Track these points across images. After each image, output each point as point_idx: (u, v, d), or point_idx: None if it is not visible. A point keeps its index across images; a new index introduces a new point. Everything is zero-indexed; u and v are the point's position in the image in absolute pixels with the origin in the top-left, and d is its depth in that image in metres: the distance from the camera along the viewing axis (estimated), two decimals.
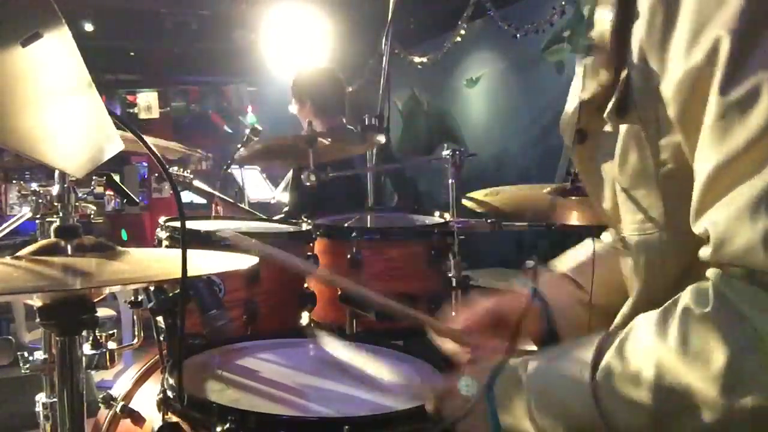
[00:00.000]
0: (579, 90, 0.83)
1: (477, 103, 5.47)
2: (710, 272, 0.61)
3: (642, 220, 0.77)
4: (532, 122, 4.81)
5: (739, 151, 0.57)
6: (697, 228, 0.62)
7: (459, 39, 5.05)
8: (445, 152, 1.85)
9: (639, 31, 0.70)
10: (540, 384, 0.75)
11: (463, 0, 4.80)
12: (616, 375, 0.66)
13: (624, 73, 0.74)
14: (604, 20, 0.77)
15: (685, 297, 0.63)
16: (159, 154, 0.82)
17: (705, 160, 0.61)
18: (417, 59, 5.54)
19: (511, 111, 5.08)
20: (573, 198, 1.82)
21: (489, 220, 1.80)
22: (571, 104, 0.84)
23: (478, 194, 1.93)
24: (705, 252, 0.61)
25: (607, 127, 0.79)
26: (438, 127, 5.94)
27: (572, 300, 1.07)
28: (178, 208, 0.86)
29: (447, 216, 1.89)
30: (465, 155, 1.85)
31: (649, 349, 0.64)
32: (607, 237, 1.12)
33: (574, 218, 1.76)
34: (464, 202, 1.87)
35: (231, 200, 2.99)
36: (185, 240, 0.81)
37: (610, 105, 0.75)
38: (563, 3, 4.19)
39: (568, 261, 1.14)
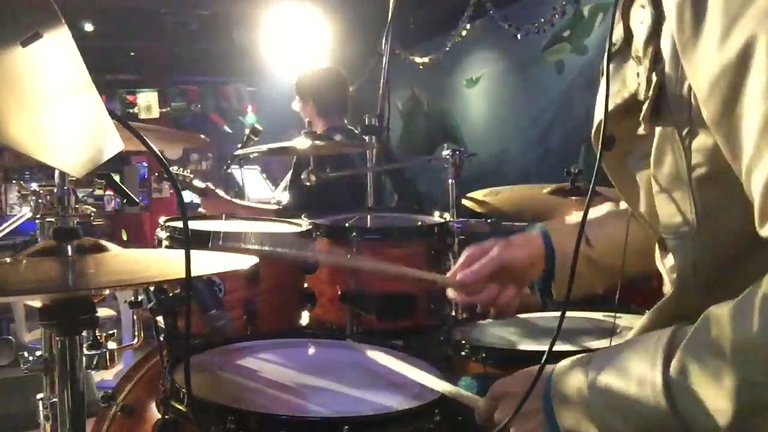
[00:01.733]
0: (605, 96, 0.81)
1: (477, 103, 5.47)
2: None
3: (677, 224, 0.76)
4: (532, 122, 4.81)
5: None
6: (766, 231, 0.60)
7: (459, 39, 5.05)
8: (445, 152, 1.85)
9: (668, 31, 0.69)
10: (605, 382, 0.72)
11: (463, 0, 4.80)
12: (693, 372, 0.63)
13: (655, 75, 0.73)
14: (639, 21, 0.76)
15: (765, 285, 0.60)
16: (160, 153, 0.82)
17: (759, 164, 0.59)
18: (417, 59, 5.54)
19: (511, 111, 5.08)
20: (573, 198, 1.82)
21: (489, 220, 1.80)
22: (600, 112, 0.83)
23: (478, 194, 1.93)
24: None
25: (640, 131, 0.78)
26: (438, 127, 5.94)
27: (579, 256, 1.08)
28: (180, 207, 0.86)
29: (447, 216, 1.89)
30: (465, 155, 1.86)
31: (729, 341, 0.60)
32: (603, 206, 1.14)
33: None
34: (464, 202, 1.87)
35: (229, 198, 2.99)
36: (188, 239, 0.81)
37: (644, 108, 0.75)
38: (563, 3, 4.19)
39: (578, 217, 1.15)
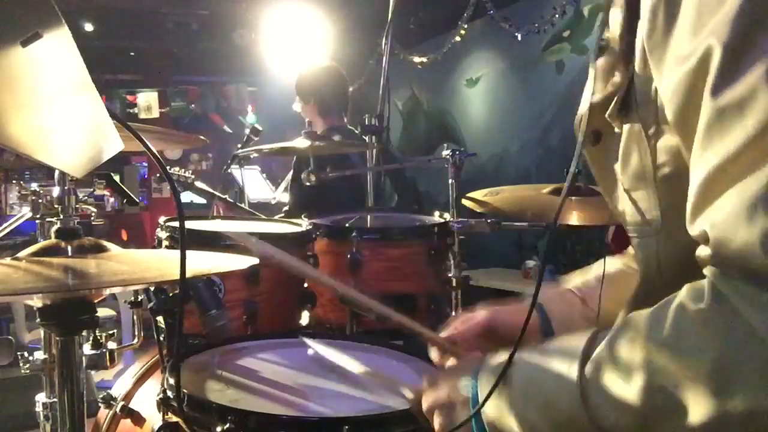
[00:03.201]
0: (591, 91, 0.83)
1: (477, 103, 5.47)
2: (707, 270, 0.61)
3: (642, 222, 0.77)
4: (532, 122, 4.81)
5: (735, 153, 0.57)
6: (694, 230, 0.62)
7: (459, 39, 5.05)
8: (445, 152, 1.85)
9: (641, 32, 0.70)
10: (526, 375, 0.74)
11: (464, 0, 4.80)
12: (606, 370, 0.65)
13: (618, 74, 0.75)
14: (615, 21, 0.78)
15: (681, 294, 0.62)
16: (158, 154, 0.82)
17: (699, 163, 0.61)
18: (417, 59, 5.54)
19: (511, 111, 5.08)
20: (573, 198, 1.82)
21: (489, 220, 1.80)
22: (583, 106, 0.85)
23: (478, 194, 1.93)
24: (704, 251, 0.60)
25: (616, 128, 0.79)
26: (438, 127, 5.95)
27: (576, 315, 1.09)
28: (177, 209, 0.86)
29: (447, 216, 1.89)
30: (465, 155, 1.85)
31: (641, 345, 0.63)
32: (616, 262, 1.12)
33: (574, 218, 1.76)
34: (464, 202, 1.87)
35: (231, 200, 2.99)
36: (184, 240, 0.81)
37: (612, 105, 0.76)
38: (563, 3, 4.20)
39: (574, 279, 1.15)
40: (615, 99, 0.75)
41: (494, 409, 0.76)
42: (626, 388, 0.63)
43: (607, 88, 0.80)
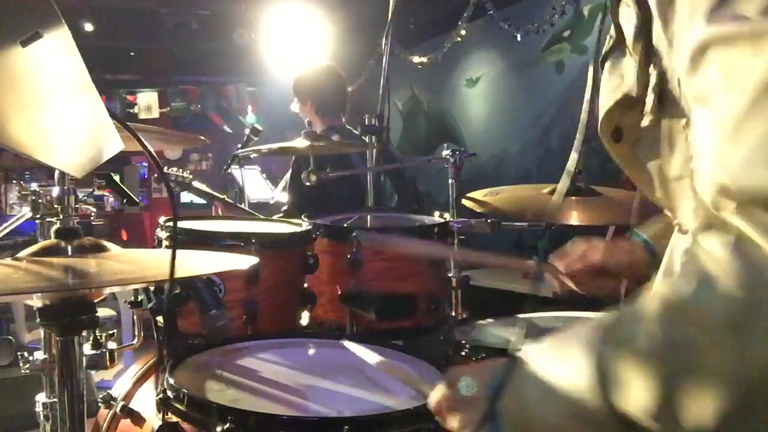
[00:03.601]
0: (610, 90, 0.83)
1: (477, 103, 5.47)
2: (731, 218, 0.57)
3: (692, 209, 0.77)
4: (532, 122, 4.81)
5: (747, 105, 0.56)
6: (711, 187, 0.60)
7: (459, 39, 5.05)
8: (445, 152, 1.85)
9: (656, 28, 0.71)
10: (543, 365, 0.72)
11: (464, 0, 4.80)
12: (622, 351, 0.62)
13: (654, 69, 0.75)
14: (626, 19, 0.78)
15: (702, 249, 0.59)
16: (155, 154, 0.82)
17: (705, 121, 0.61)
18: (417, 59, 5.54)
19: (511, 111, 5.08)
20: (573, 198, 1.82)
21: (489, 220, 1.80)
22: (603, 105, 0.86)
23: (478, 194, 1.93)
24: (727, 205, 0.57)
25: (644, 122, 0.79)
26: (438, 127, 5.95)
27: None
28: (172, 208, 0.86)
29: (447, 216, 1.89)
30: (465, 155, 1.85)
31: (658, 299, 0.59)
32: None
33: (574, 218, 1.76)
34: (464, 202, 1.87)
35: (230, 201, 2.99)
36: (176, 240, 0.81)
37: (647, 101, 0.76)
38: (563, 3, 4.19)
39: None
40: (650, 96, 0.76)
41: (514, 403, 0.74)
42: (643, 364, 0.59)
43: (621, 88, 0.81)
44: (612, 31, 0.84)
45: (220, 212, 2.90)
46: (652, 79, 0.75)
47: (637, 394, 0.59)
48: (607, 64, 0.85)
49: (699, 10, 0.62)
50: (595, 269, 1.23)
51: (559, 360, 0.70)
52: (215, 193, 2.96)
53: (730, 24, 0.58)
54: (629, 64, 0.80)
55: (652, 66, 0.75)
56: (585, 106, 0.86)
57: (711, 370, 0.55)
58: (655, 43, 0.73)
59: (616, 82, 0.83)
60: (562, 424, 0.68)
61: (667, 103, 0.75)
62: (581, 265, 1.25)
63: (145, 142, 0.79)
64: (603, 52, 0.86)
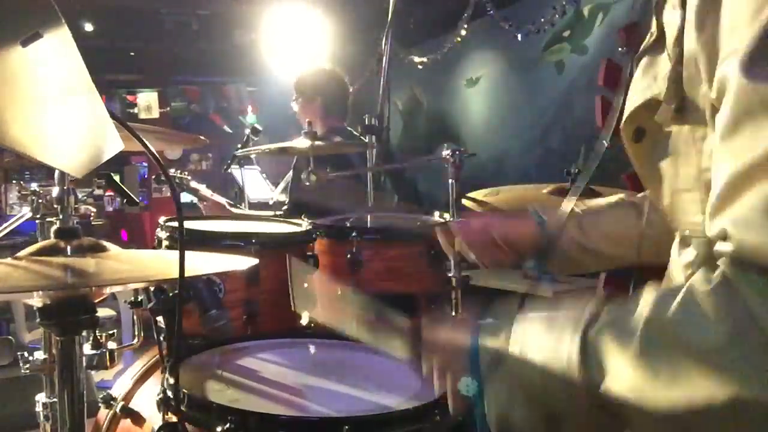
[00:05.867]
0: (640, 88, 0.83)
1: (477, 103, 5.47)
2: (722, 261, 0.61)
3: (696, 222, 0.78)
4: (532, 122, 4.81)
5: (762, 156, 0.57)
6: (714, 227, 0.62)
7: (459, 39, 5.05)
8: (445, 152, 1.85)
9: (690, 33, 0.70)
10: (524, 340, 0.74)
11: (463, 0, 4.80)
12: (607, 334, 0.66)
13: (678, 75, 0.75)
14: (670, 21, 0.78)
15: (693, 278, 0.63)
16: (158, 154, 0.82)
17: (724, 158, 0.61)
18: (417, 59, 5.54)
19: (511, 111, 5.08)
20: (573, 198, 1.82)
21: None
22: (631, 103, 0.86)
23: (478, 194, 1.93)
24: (723, 247, 0.60)
25: (666, 126, 0.80)
26: (438, 127, 5.94)
27: (571, 241, 1.16)
28: (177, 209, 0.86)
29: (447, 216, 1.89)
30: (465, 155, 1.85)
31: (646, 316, 0.63)
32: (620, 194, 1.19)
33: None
34: (464, 202, 1.87)
35: (230, 201, 2.99)
36: (183, 240, 0.82)
37: (672, 106, 0.76)
38: (563, 3, 4.19)
39: (583, 205, 1.20)
40: (670, 101, 0.76)
41: (499, 363, 0.76)
42: (623, 352, 0.63)
43: (652, 88, 0.81)
44: (653, 28, 0.84)
45: (203, 209, 2.88)
46: (677, 86, 0.75)
47: (609, 383, 0.64)
48: (643, 61, 0.85)
49: (738, 34, 0.61)
50: (492, 242, 1.25)
51: (548, 331, 0.72)
52: (215, 195, 2.95)
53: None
54: (665, 65, 0.79)
55: (678, 72, 0.75)
56: (631, 100, 0.86)
57: (676, 391, 0.59)
58: (686, 49, 0.72)
59: (648, 82, 0.83)
60: (542, 386, 0.71)
61: (688, 110, 0.75)
62: (479, 238, 1.27)
63: (146, 141, 0.79)
64: (642, 48, 0.86)
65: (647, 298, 0.66)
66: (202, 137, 1.82)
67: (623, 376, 0.63)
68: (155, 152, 0.80)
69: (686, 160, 0.77)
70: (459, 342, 0.81)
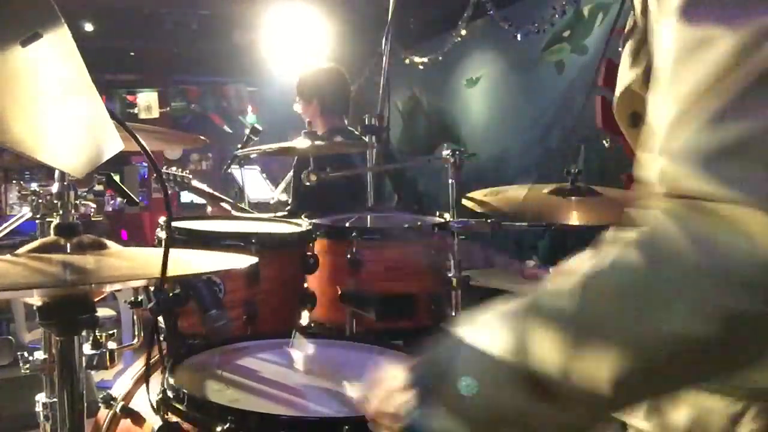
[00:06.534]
0: (626, 70, 0.83)
1: (477, 103, 5.47)
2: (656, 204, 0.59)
3: None
4: (532, 122, 4.81)
5: (692, 96, 0.57)
6: (653, 172, 0.60)
7: (459, 39, 5.05)
8: (445, 152, 1.85)
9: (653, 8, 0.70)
10: (470, 333, 0.69)
11: (463, 0, 4.80)
12: (545, 297, 0.63)
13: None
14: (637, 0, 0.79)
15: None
16: (154, 155, 0.82)
17: (662, 104, 0.61)
18: (417, 59, 5.53)
19: (511, 111, 5.08)
20: (573, 198, 1.82)
21: (489, 220, 1.80)
22: (619, 85, 0.86)
23: (478, 194, 1.93)
24: (657, 188, 0.59)
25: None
26: (438, 127, 5.94)
27: None
28: (166, 208, 0.86)
29: (447, 216, 1.89)
30: (465, 155, 1.85)
31: (577, 274, 0.61)
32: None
33: (574, 218, 1.76)
34: (464, 202, 1.87)
35: (230, 200, 2.99)
36: (169, 241, 0.81)
37: (638, 71, 0.78)
38: (563, 3, 4.19)
39: None
40: (639, 65, 0.77)
41: (442, 376, 0.70)
42: (558, 309, 0.60)
43: (635, 69, 0.81)
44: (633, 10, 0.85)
45: (210, 210, 2.89)
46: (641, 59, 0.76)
47: (545, 356, 0.60)
48: (628, 45, 0.85)
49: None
50: None
51: (487, 328, 0.68)
52: (215, 193, 2.96)
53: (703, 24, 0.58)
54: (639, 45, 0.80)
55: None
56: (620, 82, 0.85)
57: (609, 337, 0.57)
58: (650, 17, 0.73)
59: (630, 65, 0.83)
60: (485, 387, 0.65)
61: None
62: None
63: (142, 141, 0.79)
64: (626, 30, 0.86)
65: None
66: (202, 137, 1.82)
67: (554, 350, 0.59)
68: (150, 151, 0.80)
69: None
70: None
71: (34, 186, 1.34)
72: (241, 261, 1.05)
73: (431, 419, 0.69)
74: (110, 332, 1.25)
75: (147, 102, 7.58)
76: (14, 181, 6.41)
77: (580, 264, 0.63)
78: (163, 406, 1.09)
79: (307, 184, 1.98)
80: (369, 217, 2.08)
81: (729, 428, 0.74)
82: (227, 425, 0.97)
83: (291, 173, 3.01)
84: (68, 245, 0.97)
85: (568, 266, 0.66)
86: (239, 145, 3.05)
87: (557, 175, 1.93)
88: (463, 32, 4.98)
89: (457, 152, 1.84)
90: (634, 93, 0.82)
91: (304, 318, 1.79)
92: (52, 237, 0.99)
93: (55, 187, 1.05)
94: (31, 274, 0.87)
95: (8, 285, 0.81)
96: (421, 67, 5.58)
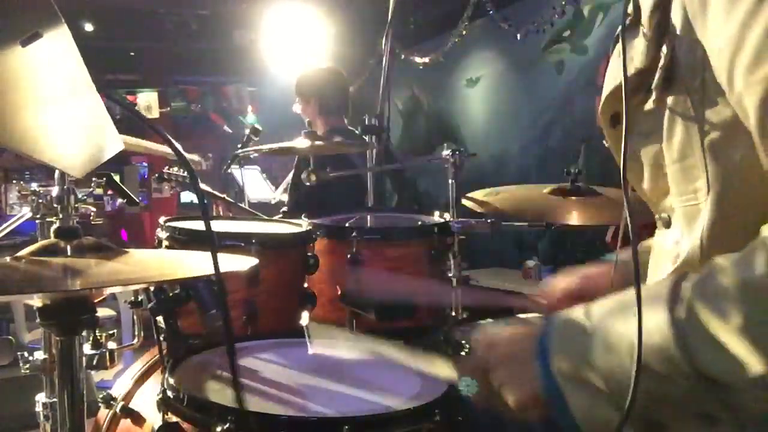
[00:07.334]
0: (617, 70, 0.84)
1: (477, 103, 5.47)
2: None
3: (690, 191, 0.77)
4: (532, 122, 4.81)
5: None
6: None
7: (459, 39, 5.05)
8: (445, 152, 1.85)
9: (678, 2, 0.71)
10: (605, 325, 0.73)
11: (464, 0, 4.80)
12: (700, 311, 0.65)
13: (665, 47, 0.76)
14: (645, 1, 0.79)
15: (765, 230, 0.63)
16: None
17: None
18: (417, 59, 5.53)
19: (511, 111, 5.08)
20: (573, 198, 1.82)
21: (489, 220, 1.80)
22: (609, 85, 0.86)
23: (478, 194, 1.93)
24: None
25: (648, 106, 0.80)
26: (438, 127, 5.94)
27: None
28: (199, 202, 0.86)
29: (447, 216, 1.89)
30: (465, 155, 1.85)
31: (733, 284, 0.63)
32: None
33: (574, 218, 1.76)
34: (464, 202, 1.87)
35: (231, 200, 2.99)
36: (214, 241, 0.81)
37: (656, 77, 0.77)
38: (563, 3, 4.19)
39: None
40: (658, 73, 0.76)
41: (568, 361, 0.75)
42: (724, 326, 0.62)
43: (629, 69, 0.81)
44: (630, 9, 0.85)
45: (221, 211, 2.90)
46: (663, 57, 0.76)
47: (714, 358, 0.63)
48: (619, 45, 0.86)
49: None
50: (573, 296, 1.20)
51: (627, 318, 0.71)
52: (216, 192, 2.96)
53: None
54: (640, 43, 0.80)
55: (664, 45, 0.75)
56: (608, 84, 0.85)
57: None
58: (672, 18, 0.73)
59: (620, 65, 0.83)
60: (628, 377, 0.68)
61: (674, 82, 0.75)
62: (561, 296, 1.22)
63: (168, 137, 0.79)
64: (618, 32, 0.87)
65: (722, 263, 0.66)
66: (197, 157, 1.81)
67: (726, 349, 0.62)
68: (175, 144, 0.80)
69: (673, 132, 0.77)
70: (524, 349, 0.80)
71: (34, 186, 1.34)
72: (241, 261, 1.05)
73: (574, 399, 0.74)
74: (110, 332, 1.26)
75: (147, 102, 7.58)
76: (14, 181, 6.41)
77: (724, 263, 0.65)
78: (163, 406, 1.09)
79: (307, 184, 1.98)
80: (369, 217, 2.08)
81: None
82: (227, 425, 0.97)
83: (291, 173, 3.01)
84: (69, 248, 0.97)
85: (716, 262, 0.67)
86: (239, 145, 3.05)
87: (557, 175, 1.92)
88: (463, 32, 4.99)
89: (457, 152, 1.84)
90: (617, 95, 0.82)
91: (304, 318, 1.78)
92: (52, 239, 0.99)
93: (55, 191, 1.05)
94: (33, 278, 0.86)
95: (10, 289, 0.81)
96: (421, 67, 5.58)
